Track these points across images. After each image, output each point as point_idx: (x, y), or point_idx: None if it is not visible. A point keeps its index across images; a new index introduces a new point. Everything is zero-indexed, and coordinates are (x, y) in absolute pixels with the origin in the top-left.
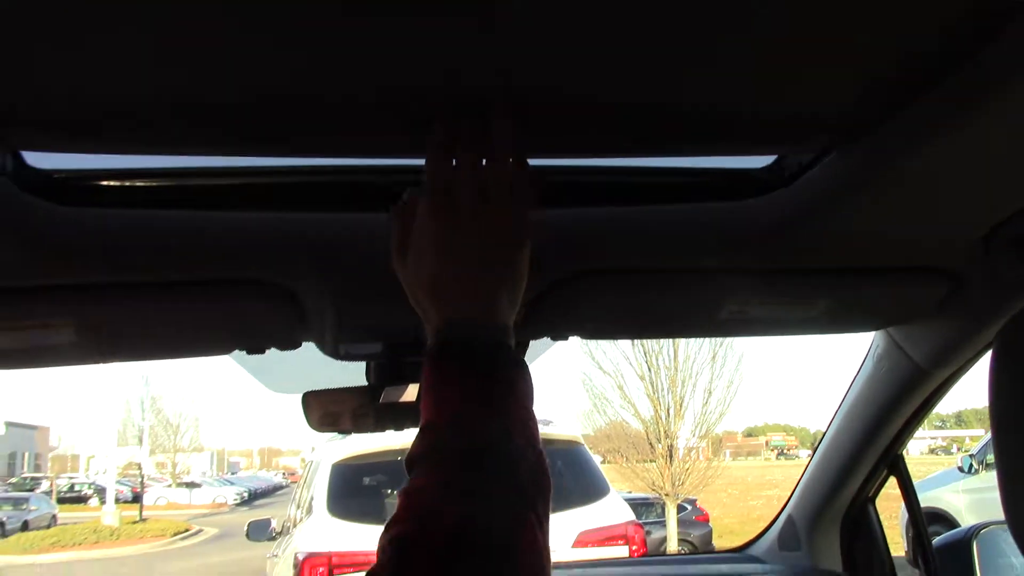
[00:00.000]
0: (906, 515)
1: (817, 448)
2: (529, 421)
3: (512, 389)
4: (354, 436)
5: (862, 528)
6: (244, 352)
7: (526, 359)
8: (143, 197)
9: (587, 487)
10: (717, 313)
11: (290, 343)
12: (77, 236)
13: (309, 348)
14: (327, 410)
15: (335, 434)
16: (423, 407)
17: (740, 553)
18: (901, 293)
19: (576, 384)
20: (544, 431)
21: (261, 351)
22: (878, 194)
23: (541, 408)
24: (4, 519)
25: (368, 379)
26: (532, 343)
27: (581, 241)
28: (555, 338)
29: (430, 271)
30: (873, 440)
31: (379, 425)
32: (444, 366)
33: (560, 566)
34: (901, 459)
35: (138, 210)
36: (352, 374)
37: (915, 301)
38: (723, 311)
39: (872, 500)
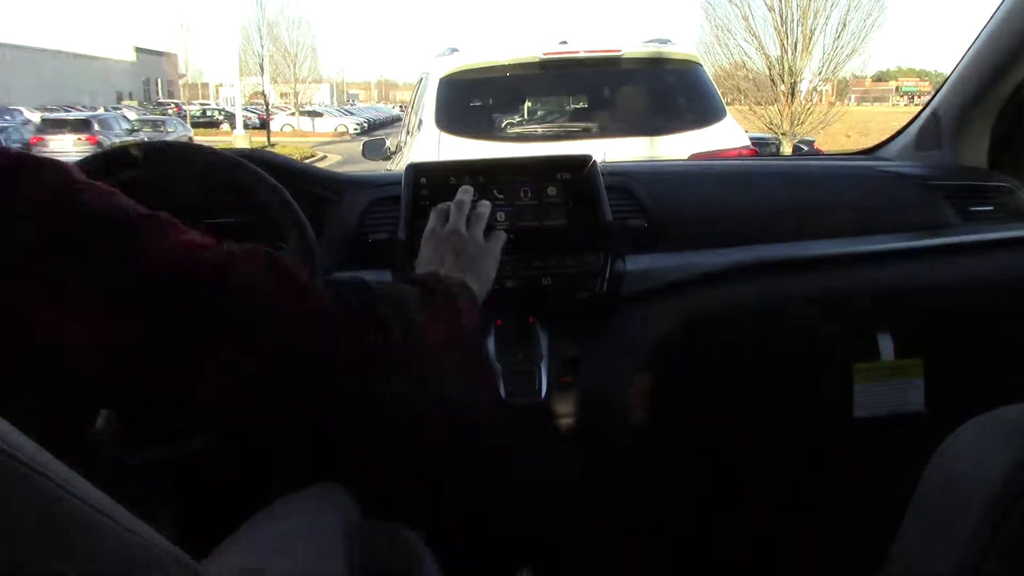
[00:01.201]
0: None
1: (980, 35)
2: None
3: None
4: (462, 52)
5: (1020, 124)
6: None
7: None
8: None
9: (702, 109)
10: None
11: None
12: None
13: None
14: None
15: (443, 51)
16: None
17: (867, 155)
18: None
19: (696, 14)
20: (660, 48)
21: None
22: None
23: (657, 31)
24: (145, 139)
25: None
26: None
27: None
28: None
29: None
30: None
31: None
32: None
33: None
34: None
35: None
36: None
37: None
38: None
39: None
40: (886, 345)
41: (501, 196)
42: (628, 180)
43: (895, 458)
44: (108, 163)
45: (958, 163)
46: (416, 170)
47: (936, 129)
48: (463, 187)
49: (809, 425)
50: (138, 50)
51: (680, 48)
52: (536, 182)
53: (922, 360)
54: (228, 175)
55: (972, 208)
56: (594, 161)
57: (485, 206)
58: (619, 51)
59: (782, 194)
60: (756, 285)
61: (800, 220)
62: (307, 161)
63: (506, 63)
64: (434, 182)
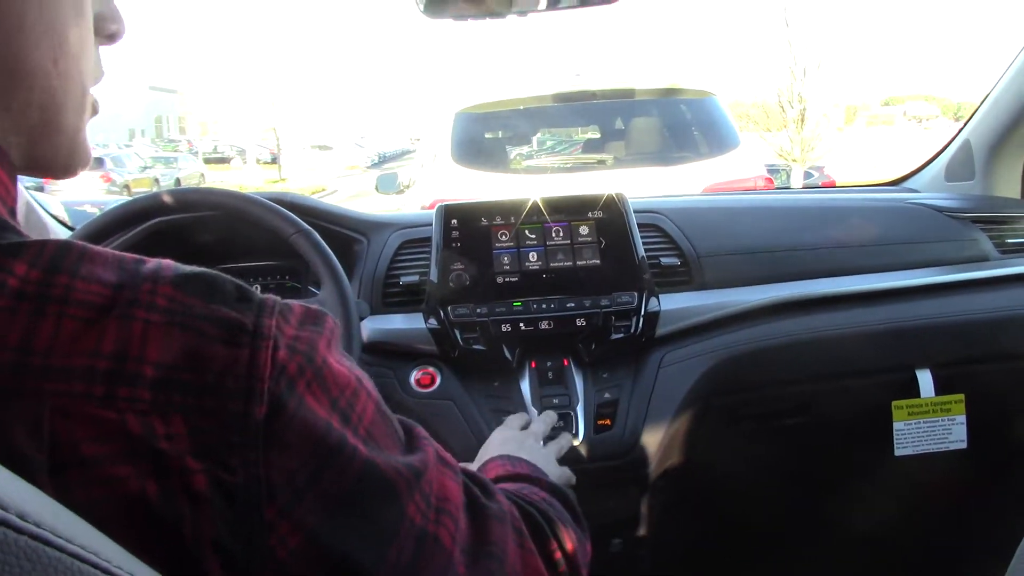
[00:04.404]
0: None
1: (1013, 62)
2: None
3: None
4: (478, 89)
5: None
6: None
7: None
8: None
9: (717, 139)
10: None
11: None
12: None
13: None
14: None
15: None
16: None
17: (896, 185)
18: None
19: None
20: (676, 83)
21: None
22: None
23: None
24: (158, 176)
25: None
26: None
27: None
28: None
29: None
30: None
31: (503, 3)
32: None
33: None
34: None
35: None
36: None
37: None
38: None
39: None
40: (926, 381)
41: (533, 236)
42: (658, 216)
43: (937, 496)
44: (141, 212)
45: (991, 194)
46: (447, 211)
47: (968, 159)
48: (548, 413)
49: (848, 464)
50: (151, 88)
51: (695, 84)
52: (568, 221)
53: (964, 396)
54: (260, 220)
55: (1010, 240)
56: (625, 199)
57: (566, 440)
58: (633, 84)
59: (816, 229)
60: (792, 323)
61: (835, 256)
62: (318, 195)
63: (521, 98)
64: (465, 223)
